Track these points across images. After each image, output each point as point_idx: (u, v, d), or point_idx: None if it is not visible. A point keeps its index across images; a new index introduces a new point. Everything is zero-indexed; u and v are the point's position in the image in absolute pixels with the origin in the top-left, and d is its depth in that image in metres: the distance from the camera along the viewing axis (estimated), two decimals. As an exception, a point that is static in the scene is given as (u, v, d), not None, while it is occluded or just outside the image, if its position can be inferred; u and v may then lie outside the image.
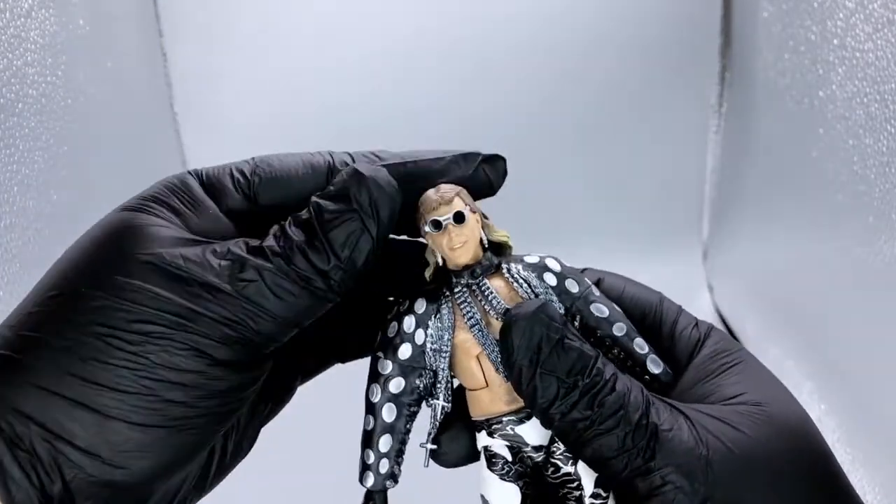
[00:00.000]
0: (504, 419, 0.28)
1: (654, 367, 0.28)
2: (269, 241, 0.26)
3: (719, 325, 0.76)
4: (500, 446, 0.28)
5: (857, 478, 0.54)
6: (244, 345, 0.25)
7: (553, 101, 0.75)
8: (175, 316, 0.24)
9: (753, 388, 0.26)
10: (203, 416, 0.25)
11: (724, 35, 0.73)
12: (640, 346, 0.29)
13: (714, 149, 0.78)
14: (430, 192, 0.29)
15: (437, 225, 0.28)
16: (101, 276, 0.25)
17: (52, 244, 0.47)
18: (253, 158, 0.30)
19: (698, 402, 0.26)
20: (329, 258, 0.25)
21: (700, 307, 0.78)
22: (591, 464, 0.26)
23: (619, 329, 0.28)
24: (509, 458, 0.28)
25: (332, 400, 0.41)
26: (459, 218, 0.28)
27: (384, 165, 0.29)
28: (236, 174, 0.29)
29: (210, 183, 0.29)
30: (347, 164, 0.29)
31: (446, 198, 0.28)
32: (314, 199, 0.27)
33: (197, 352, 0.24)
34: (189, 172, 0.29)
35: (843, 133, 0.51)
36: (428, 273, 0.29)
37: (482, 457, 0.29)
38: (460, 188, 0.29)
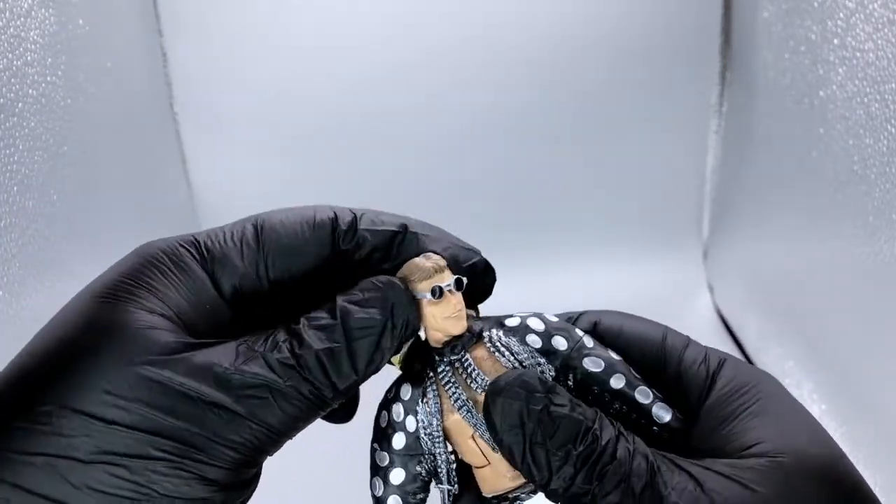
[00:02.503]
0: (511, 494, 0.27)
1: (664, 414, 0.27)
2: (282, 351, 0.24)
3: (719, 326, 0.76)
4: None
5: (857, 478, 0.54)
6: (246, 465, 0.24)
7: (553, 101, 0.75)
8: (180, 442, 0.22)
9: (773, 433, 0.24)
10: None
11: (724, 35, 0.73)
12: (644, 394, 0.27)
13: (714, 149, 0.78)
14: (420, 260, 0.27)
15: (438, 292, 0.26)
16: (92, 391, 0.22)
17: (52, 244, 0.47)
18: (254, 222, 0.27)
19: (714, 454, 0.25)
20: (350, 372, 0.24)
21: (700, 307, 0.78)
22: None
23: (617, 380, 0.27)
24: None
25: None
26: (460, 284, 0.27)
27: (383, 233, 0.27)
28: (242, 246, 0.26)
29: (211, 256, 0.26)
30: (351, 226, 0.27)
31: (440, 265, 0.27)
32: (341, 302, 0.25)
33: (203, 479, 0.23)
34: (181, 244, 0.26)
35: (843, 133, 0.51)
36: (400, 357, 0.28)
37: None
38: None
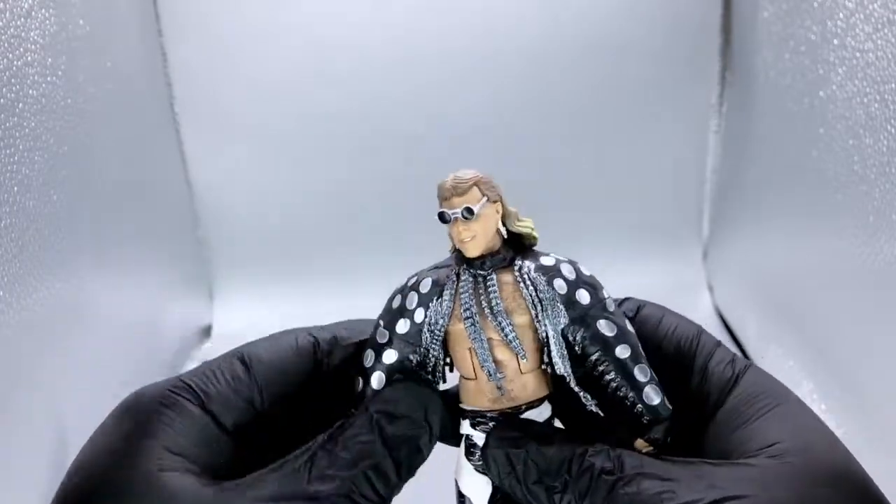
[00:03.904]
0: (487, 414, 0.28)
1: (654, 395, 0.27)
2: (320, 485, 0.24)
3: (719, 325, 0.76)
4: (480, 438, 0.28)
5: (857, 478, 0.54)
6: None
7: (553, 101, 0.75)
8: None
9: (791, 434, 0.24)
10: None
11: (724, 35, 0.73)
12: (643, 372, 0.27)
13: (714, 149, 0.78)
14: (447, 180, 0.28)
15: (444, 218, 0.27)
16: None
17: (52, 244, 0.47)
18: (241, 357, 0.28)
19: (730, 453, 0.25)
20: (396, 481, 0.25)
21: (700, 307, 0.78)
22: None
23: (623, 350, 0.27)
24: None
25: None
26: (468, 213, 0.27)
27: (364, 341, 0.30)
28: (235, 383, 0.27)
29: (208, 397, 0.26)
30: (331, 344, 0.29)
31: (460, 189, 0.27)
32: (375, 415, 0.26)
33: None
34: (172, 391, 0.26)
35: (843, 133, 0.51)
36: (451, 246, 0.29)
37: (462, 444, 0.29)
38: (479, 175, 0.28)
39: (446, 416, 0.27)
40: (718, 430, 0.26)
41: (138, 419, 0.25)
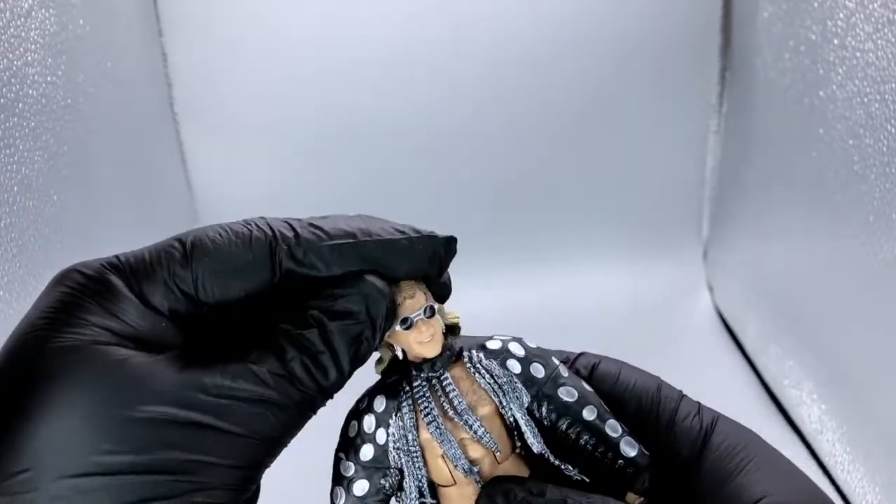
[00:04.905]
0: None
1: (630, 449, 0.27)
2: (269, 363, 0.23)
3: (719, 325, 0.76)
4: None
5: (857, 477, 0.54)
6: (249, 481, 0.23)
7: (552, 101, 0.75)
8: (183, 474, 0.22)
9: (777, 486, 0.25)
10: None
11: (724, 35, 0.73)
12: (613, 428, 0.27)
13: (714, 149, 0.78)
14: (393, 290, 0.27)
15: (406, 322, 0.26)
16: (79, 453, 0.21)
17: (52, 244, 0.47)
18: (182, 240, 0.25)
19: None
20: (335, 373, 0.24)
21: (700, 307, 0.78)
22: None
23: (589, 412, 0.27)
24: None
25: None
26: (430, 313, 0.27)
27: (340, 244, 0.25)
28: (171, 267, 0.24)
29: (136, 278, 0.24)
30: (291, 240, 0.25)
31: (410, 293, 0.27)
32: (316, 313, 0.25)
33: None
34: (103, 265, 0.24)
35: (843, 133, 0.51)
36: (380, 368, 0.28)
37: None
38: (418, 281, 0.27)
39: (390, 309, 0.26)
40: (704, 487, 0.26)
41: (66, 290, 0.23)
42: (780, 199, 0.64)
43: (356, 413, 0.28)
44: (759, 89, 0.65)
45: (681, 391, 0.28)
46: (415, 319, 0.26)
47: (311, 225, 0.25)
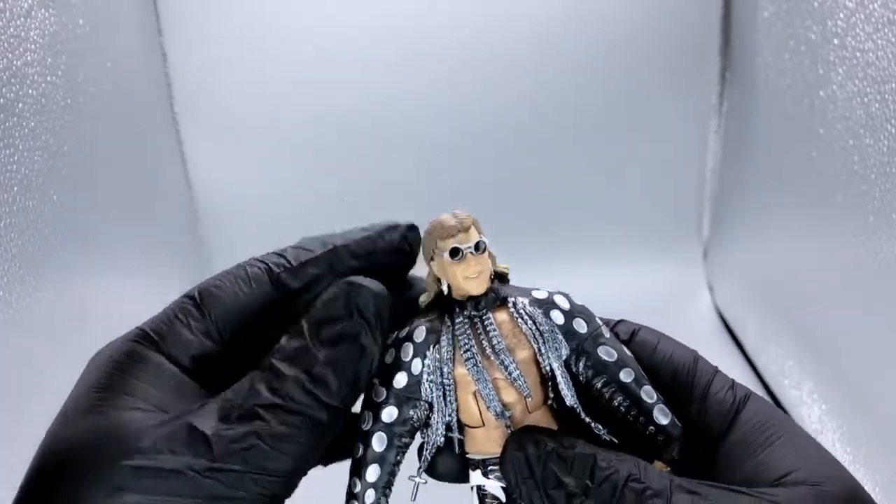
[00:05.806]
0: (498, 460, 0.26)
1: (662, 417, 0.27)
2: (261, 393, 0.23)
3: (719, 325, 0.76)
4: (494, 487, 0.27)
5: (858, 477, 0.53)
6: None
7: (553, 101, 0.75)
8: None
9: (804, 462, 0.25)
10: None
11: (724, 35, 0.73)
12: (648, 394, 0.27)
13: (714, 149, 0.78)
14: (447, 218, 0.27)
15: (457, 253, 0.26)
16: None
17: (52, 244, 0.47)
18: (191, 294, 0.27)
19: (750, 481, 0.25)
20: (339, 385, 0.24)
21: (700, 307, 0.78)
22: None
23: (626, 374, 0.27)
24: (503, 499, 0.27)
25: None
26: (480, 247, 0.27)
27: (316, 258, 0.28)
28: (187, 319, 0.26)
29: (161, 338, 0.26)
30: (284, 267, 0.28)
31: (465, 224, 0.27)
32: (306, 322, 0.25)
33: None
34: (128, 340, 0.26)
35: (843, 133, 0.51)
36: (424, 300, 0.28)
37: (474, 497, 0.27)
38: (471, 214, 0.28)
39: (386, 306, 0.26)
40: (729, 460, 0.26)
41: (101, 376, 0.25)
42: (780, 199, 0.64)
43: (396, 341, 0.28)
44: (759, 89, 0.65)
45: (715, 367, 0.28)
46: (465, 251, 0.26)
47: (293, 248, 0.28)
